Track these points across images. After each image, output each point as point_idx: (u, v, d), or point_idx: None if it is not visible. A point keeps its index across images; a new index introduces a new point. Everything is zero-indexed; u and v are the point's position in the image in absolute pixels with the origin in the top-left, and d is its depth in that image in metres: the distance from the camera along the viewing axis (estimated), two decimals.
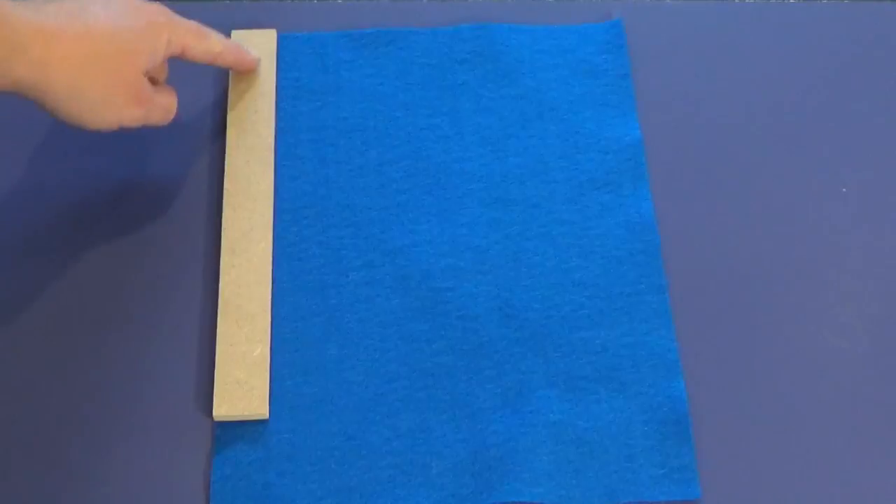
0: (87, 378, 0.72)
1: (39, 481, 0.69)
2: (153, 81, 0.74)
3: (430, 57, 0.84)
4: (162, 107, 0.74)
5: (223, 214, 0.77)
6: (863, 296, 0.76)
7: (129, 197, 0.78)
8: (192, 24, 0.75)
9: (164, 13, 0.72)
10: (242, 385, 0.71)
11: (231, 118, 0.81)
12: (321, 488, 0.69)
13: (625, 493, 0.69)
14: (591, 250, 0.77)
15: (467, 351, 0.74)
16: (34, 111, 0.81)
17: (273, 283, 0.75)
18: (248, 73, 0.82)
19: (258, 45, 0.83)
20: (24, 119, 0.81)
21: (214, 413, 0.70)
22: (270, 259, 0.76)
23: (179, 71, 0.83)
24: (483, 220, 0.78)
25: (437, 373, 0.73)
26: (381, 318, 0.74)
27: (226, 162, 0.79)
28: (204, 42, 0.75)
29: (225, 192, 0.78)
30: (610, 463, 0.70)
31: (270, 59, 0.83)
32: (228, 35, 0.84)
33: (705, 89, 0.84)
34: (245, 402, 0.71)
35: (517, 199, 0.79)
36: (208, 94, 0.82)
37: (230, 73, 0.82)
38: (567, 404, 0.72)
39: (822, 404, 0.72)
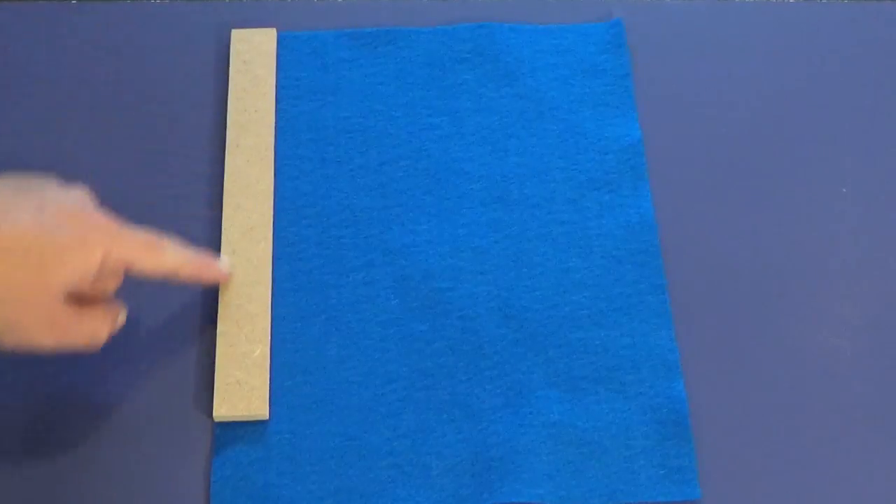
0: (86, 378, 0.72)
1: (39, 482, 0.69)
2: (87, 299, 0.64)
3: (429, 56, 0.84)
4: (84, 334, 0.64)
5: (223, 214, 0.77)
6: (863, 296, 0.76)
7: (129, 199, 0.78)
8: (142, 238, 0.65)
9: (106, 226, 0.63)
10: (243, 385, 0.71)
11: (231, 118, 0.80)
12: (321, 489, 0.69)
13: (625, 494, 0.69)
14: (590, 250, 0.77)
15: (467, 351, 0.74)
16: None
17: (273, 283, 0.75)
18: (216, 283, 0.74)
19: (258, 45, 0.83)
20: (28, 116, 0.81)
21: (215, 413, 0.70)
22: (270, 259, 0.76)
23: (178, 71, 0.83)
24: (483, 220, 0.78)
25: (437, 373, 0.73)
26: (381, 319, 0.74)
27: (226, 162, 0.79)
28: (155, 258, 0.65)
29: (225, 192, 0.78)
30: (610, 463, 0.70)
31: (270, 58, 0.83)
32: (228, 35, 0.84)
33: (705, 89, 0.84)
34: (245, 402, 0.71)
35: (517, 199, 0.79)
36: (208, 94, 0.82)
37: (229, 72, 0.82)
38: (567, 405, 0.72)
39: (821, 404, 0.72)
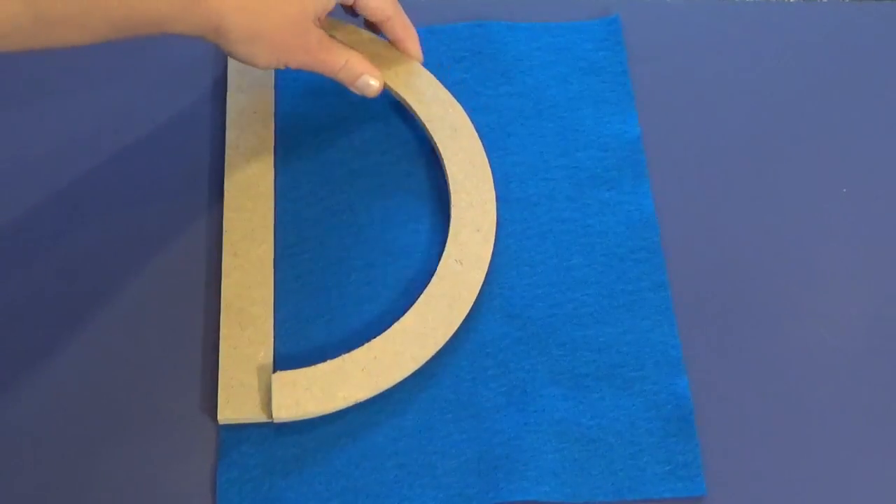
0: (90, 382, 0.72)
1: (43, 485, 0.69)
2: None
3: (427, 55, 0.84)
4: (338, 59, 0.75)
5: (224, 216, 0.77)
6: (863, 296, 0.76)
7: (130, 201, 0.78)
8: None
9: None
10: (247, 388, 0.71)
11: (230, 119, 0.80)
12: (327, 490, 0.69)
13: (630, 491, 0.69)
14: (592, 248, 0.77)
15: (470, 350, 0.74)
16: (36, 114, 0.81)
17: (275, 285, 0.75)
18: (411, 56, 0.81)
19: None
20: (32, 113, 0.81)
21: (219, 416, 0.70)
22: (272, 261, 0.76)
23: (177, 71, 0.83)
24: None
25: (441, 372, 0.73)
26: (383, 319, 0.75)
27: (226, 163, 0.79)
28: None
29: (225, 193, 0.78)
30: (615, 460, 0.70)
31: None
32: None
33: (704, 86, 0.84)
34: (250, 404, 0.71)
35: (517, 197, 0.79)
36: (207, 95, 0.82)
37: (228, 72, 0.82)
38: (571, 402, 0.72)
39: (824, 400, 0.73)
